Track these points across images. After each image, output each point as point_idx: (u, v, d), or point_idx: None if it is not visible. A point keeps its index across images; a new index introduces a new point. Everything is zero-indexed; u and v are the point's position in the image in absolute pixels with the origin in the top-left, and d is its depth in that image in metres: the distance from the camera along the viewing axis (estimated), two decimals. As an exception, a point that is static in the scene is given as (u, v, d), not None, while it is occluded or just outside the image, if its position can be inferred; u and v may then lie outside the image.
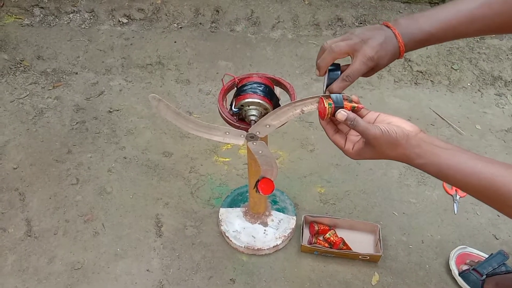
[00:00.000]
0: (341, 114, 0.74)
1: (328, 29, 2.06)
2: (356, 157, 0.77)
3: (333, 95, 0.78)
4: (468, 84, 1.86)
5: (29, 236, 1.33)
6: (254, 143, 0.95)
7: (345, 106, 0.76)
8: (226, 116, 0.95)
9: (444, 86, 1.86)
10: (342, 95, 0.79)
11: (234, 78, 1.00)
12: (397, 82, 1.86)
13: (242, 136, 0.91)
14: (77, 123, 1.67)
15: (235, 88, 0.99)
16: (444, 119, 1.72)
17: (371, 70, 0.78)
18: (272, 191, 1.06)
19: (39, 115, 1.70)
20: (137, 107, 1.73)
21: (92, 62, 1.90)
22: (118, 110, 1.72)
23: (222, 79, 1.01)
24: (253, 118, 0.91)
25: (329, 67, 0.80)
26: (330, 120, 0.80)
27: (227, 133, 0.91)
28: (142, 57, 1.92)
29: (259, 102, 0.90)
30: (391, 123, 0.72)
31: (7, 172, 1.50)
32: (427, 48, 1.98)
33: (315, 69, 0.82)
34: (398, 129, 0.70)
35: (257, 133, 0.90)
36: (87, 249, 1.30)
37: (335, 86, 0.78)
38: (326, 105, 0.76)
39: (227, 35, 2.02)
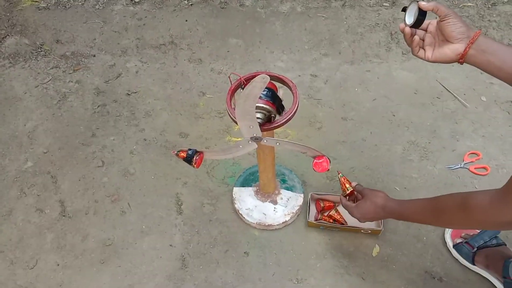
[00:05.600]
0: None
1: (338, 0, 2.07)
2: (357, 212, 1.19)
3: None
4: (476, 54, 1.87)
5: (64, 216, 1.49)
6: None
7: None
8: (235, 117, 1.04)
9: (452, 57, 1.88)
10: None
11: (240, 78, 1.08)
12: (405, 54, 1.89)
13: (250, 142, 1.01)
14: (98, 106, 1.78)
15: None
16: (450, 92, 1.76)
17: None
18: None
19: (63, 100, 1.81)
20: (153, 89, 1.83)
21: (108, 44, 1.98)
22: (135, 92, 1.82)
23: (229, 77, 1.09)
24: (258, 121, 1.00)
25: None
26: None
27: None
28: (155, 37, 1.98)
29: (263, 107, 0.98)
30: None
31: (38, 157, 1.64)
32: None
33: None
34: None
35: (255, 134, 0.99)
36: (115, 227, 1.45)
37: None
38: (329, 167, 1.07)
39: (236, 10, 2.05)
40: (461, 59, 0.88)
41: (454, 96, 1.75)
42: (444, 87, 1.78)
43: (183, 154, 1.07)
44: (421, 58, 0.93)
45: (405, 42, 0.96)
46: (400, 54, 1.89)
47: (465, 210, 0.87)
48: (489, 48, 0.86)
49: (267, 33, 1.97)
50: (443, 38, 0.89)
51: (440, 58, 0.90)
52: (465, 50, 0.86)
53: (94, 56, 1.95)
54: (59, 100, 1.81)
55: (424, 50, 0.92)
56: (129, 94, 1.81)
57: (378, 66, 1.87)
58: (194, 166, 1.09)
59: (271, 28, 1.99)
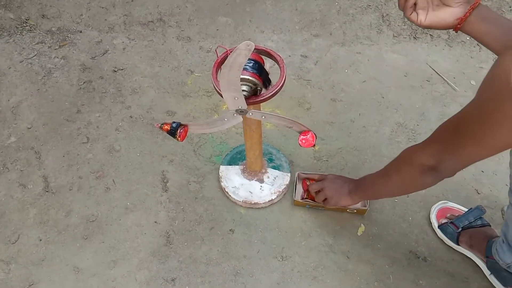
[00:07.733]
0: None
1: (330, -20, 2.04)
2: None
3: None
4: (467, 38, 1.87)
5: (47, 191, 1.46)
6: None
7: None
8: (220, 89, 1.02)
9: (443, 40, 1.88)
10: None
11: (227, 51, 1.06)
12: (396, 36, 1.88)
13: (235, 114, 0.99)
14: (84, 82, 1.75)
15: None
16: (439, 75, 1.76)
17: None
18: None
19: (48, 75, 1.77)
20: (141, 66, 1.80)
21: (95, 20, 1.94)
22: (122, 69, 1.79)
23: (215, 50, 1.07)
24: (244, 93, 0.98)
25: None
26: None
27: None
28: (144, 14, 1.94)
29: (248, 79, 0.97)
30: None
31: (22, 132, 1.61)
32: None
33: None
34: None
35: (240, 107, 0.98)
36: (100, 203, 1.44)
37: None
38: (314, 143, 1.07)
39: (227, -11, 2.02)
40: (459, 24, 0.83)
41: (444, 79, 1.75)
42: (434, 70, 1.78)
43: (167, 127, 1.06)
44: (413, 22, 0.87)
45: (396, 25, 0.92)
46: (391, 37, 1.88)
47: (401, 161, 0.99)
48: (489, 17, 0.81)
49: (257, 12, 1.94)
50: (439, 2, 0.84)
51: (436, 22, 0.85)
52: (465, 14, 0.81)
53: (81, 32, 1.91)
54: (44, 76, 1.77)
55: (417, 13, 0.86)
56: (115, 71, 1.78)
57: (368, 48, 1.86)
58: (178, 139, 1.07)
59: (262, 7, 1.96)
